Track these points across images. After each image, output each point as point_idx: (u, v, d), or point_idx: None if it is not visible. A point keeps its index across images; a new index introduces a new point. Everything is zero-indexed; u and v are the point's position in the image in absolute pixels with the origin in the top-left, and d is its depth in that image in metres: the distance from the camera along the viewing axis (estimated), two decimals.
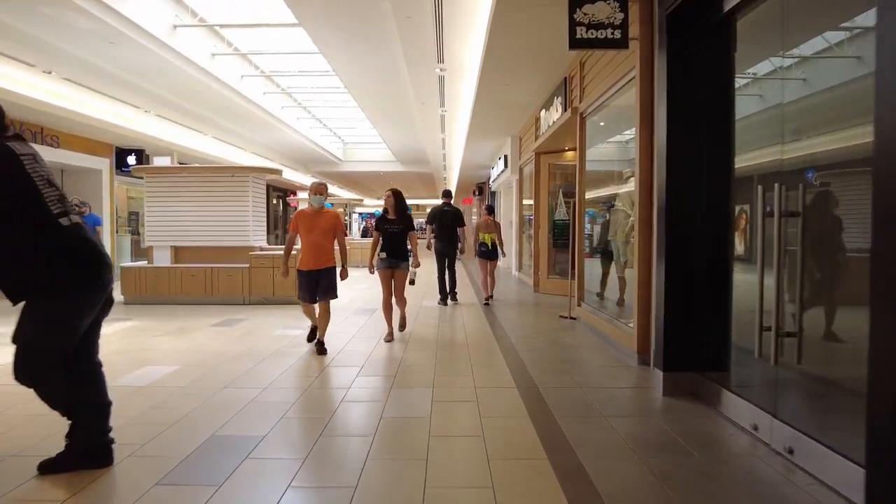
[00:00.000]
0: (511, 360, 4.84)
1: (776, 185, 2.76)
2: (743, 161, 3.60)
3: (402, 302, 6.07)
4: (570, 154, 9.48)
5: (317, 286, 5.15)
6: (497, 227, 8.85)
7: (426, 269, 12.15)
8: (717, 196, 3.78)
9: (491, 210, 9.32)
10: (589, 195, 7.03)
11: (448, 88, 9.99)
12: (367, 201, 42.15)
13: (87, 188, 13.05)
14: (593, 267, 7.15)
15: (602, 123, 6.79)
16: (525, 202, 11.91)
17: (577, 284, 6.88)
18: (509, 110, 9.97)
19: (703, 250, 3.82)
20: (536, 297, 9.36)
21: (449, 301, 8.49)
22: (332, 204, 23.44)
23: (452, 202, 9.00)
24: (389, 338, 5.72)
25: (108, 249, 12.08)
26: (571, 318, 6.98)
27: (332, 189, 28.80)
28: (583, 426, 3.23)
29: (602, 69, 5.84)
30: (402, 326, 6.13)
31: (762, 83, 3.56)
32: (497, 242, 8.64)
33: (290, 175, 22.50)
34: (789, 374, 2.95)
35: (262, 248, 8.89)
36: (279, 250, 8.70)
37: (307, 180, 25.72)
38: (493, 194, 20.83)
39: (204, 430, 3.17)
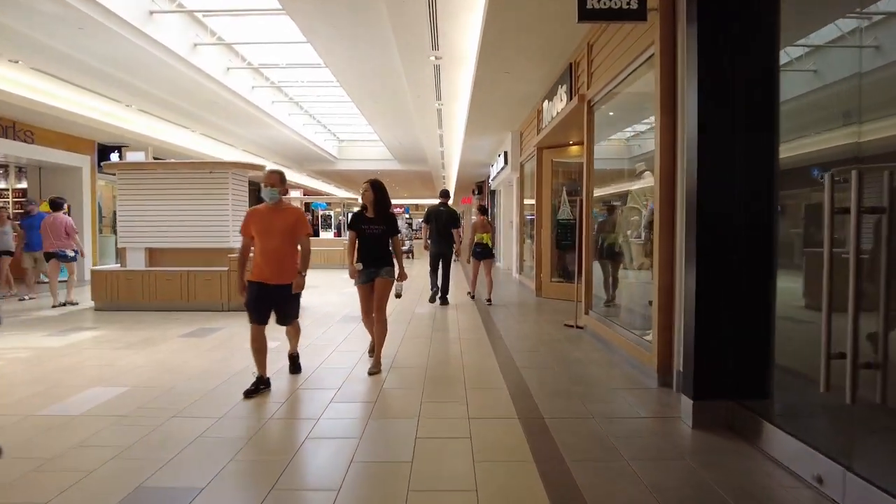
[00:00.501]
0: (511, 380, 4.21)
1: (853, 174, 2.14)
2: (796, 149, 2.98)
3: (381, 321, 4.54)
4: (574, 149, 8.86)
5: (272, 304, 4.01)
6: (491, 227, 8.90)
7: (421, 269, 11.55)
8: (759, 190, 3.15)
9: (484, 210, 9.07)
10: (598, 192, 6.39)
11: (444, 79, 9.36)
12: (350, 194, 41.56)
13: (66, 186, 12.45)
14: (602, 271, 6.53)
15: (612, 113, 6.16)
16: (526, 202, 11.29)
17: (585, 290, 6.25)
18: (509, 102, 9.34)
19: (741, 253, 3.20)
20: (538, 301, 8.73)
21: (438, 303, 8.41)
22: (329, 204, 22.98)
23: (450, 203, 8.81)
24: (375, 369, 4.49)
25: (87, 250, 11.53)
26: (578, 326, 6.36)
27: (328, 188, 28.21)
28: (600, 475, 2.60)
29: (613, 49, 5.22)
30: (376, 362, 4.56)
31: (825, 53, 2.93)
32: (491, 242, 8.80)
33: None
34: (864, 412, 2.32)
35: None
36: None
37: (303, 179, 25.13)
38: (492, 193, 20.22)
39: (129, 479, 2.55)
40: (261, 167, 8.41)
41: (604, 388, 4.04)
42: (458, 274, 13.66)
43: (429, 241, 8.41)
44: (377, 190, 4.53)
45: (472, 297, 8.95)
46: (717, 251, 3.23)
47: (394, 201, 23.87)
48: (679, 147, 3.91)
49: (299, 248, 4.08)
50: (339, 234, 19.90)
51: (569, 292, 8.74)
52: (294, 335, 4.46)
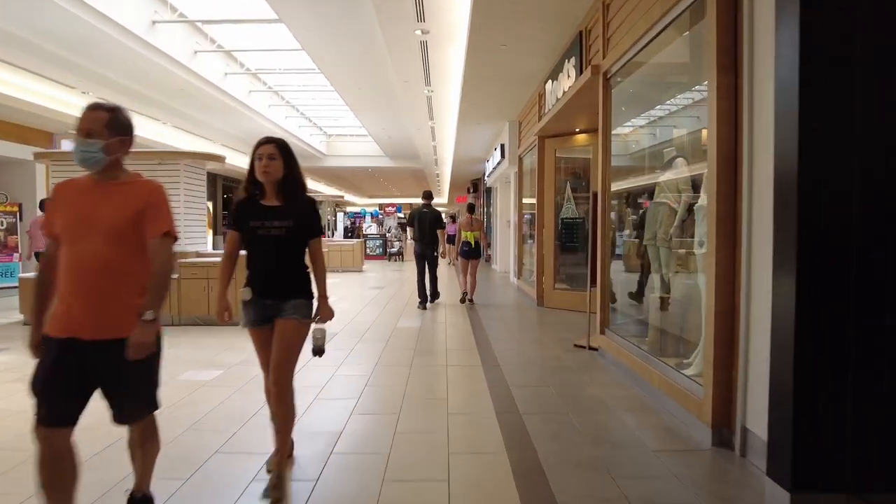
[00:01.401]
0: (514, 439, 3.10)
1: None
2: None
3: (282, 394, 2.53)
4: (581, 138, 7.77)
5: (88, 384, 1.91)
6: (480, 224, 8.65)
7: (412, 274, 10.46)
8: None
9: (472, 208, 8.94)
10: (616, 186, 5.30)
11: (433, 59, 8.25)
12: (348, 197, 40.49)
13: (16, 181, 11.27)
14: (622, 280, 5.45)
15: (632, 90, 5.08)
16: (526, 201, 10.19)
17: (601, 304, 5.16)
18: (507, 84, 8.25)
19: (865, 263, 2.11)
20: (541, 313, 7.63)
21: (429, 304, 8.13)
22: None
23: (438, 202, 8.10)
24: (275, 493, 2.35)
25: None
26: (591, 348, 5.27)
27: (316, 186, 27.02)
28: None
29: (639, 2, 4.12)
30: (274, 481, 2.39)
31: None
32: (480, 240, 8.47)
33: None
34: None
35: (198, 255, 7.15)
36: (219, 256, 6.95)
37: None
38: (488, 191, 19.14)
39: None
40: (220, 158, 7.29)
41: (638, 449, 2.94)
42: (451, 276, 12.57)
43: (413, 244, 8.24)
44: (284, 152, 2.55)
45: (465, 300, 8.49)
46: (827, 260, 2.13)
47: (387, 200, 22.84)
48: (744, 117, 2.83)
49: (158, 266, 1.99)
50: (324, 235, 18.77)
51: (575, 302, 7.66)
52: (145, 453, 2.10)
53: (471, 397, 3.80)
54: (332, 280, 10.17)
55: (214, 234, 20.37)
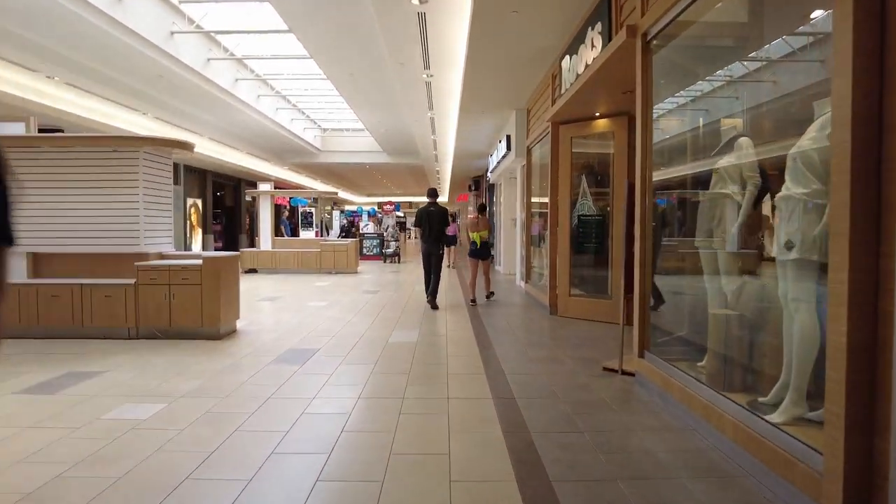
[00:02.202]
0: None
1: None
2: None
3: None
4: (601, 123, 6.82)
5: None
6: (487, 224, 8.53)
7: (408, 275, 9.56)
8: None
9: (483, 209, 8.75)
10: (661, 174, 4.35)
11: (433, 36, 7.31)
12: (347, 195, 39.57)
13: None
14: (667, 290, 4.51)
15: (678, 57, 4.13)
16: (536, 200, 9.23)
17: (639, 318, 4.21)
18: (515, 65, 7.30)
19: None
20: (555, 323, 6.68)
21: (432, 306, 7.83)
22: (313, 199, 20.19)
23: (439, 201, 8.21)
24: None
25: None
26: (625, 372, 4.33)
27: (312, 184, 26.08)
28: None
29: None
30: None
31: None
32: (487, 240, 8.39)
33: (261, 167, 19.78)
34: None
35: (162, 256, 6.20)
36: (188, 259, 6.02)
37: (282, 173, 23.00)
38: (491, 188, 18.18)
39: None
40: (187, 145, 6.34)
41: None
42: (451, 281, 11.62)
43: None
44: None
45: (474, 303, 8.14)
46: None
47: (385, 199, 21.89)
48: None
49: None
50: (320, 233, 17.82)
51: (595, 310, 6.71)
52: None
53: (481, 453, 2.85)
54: (321, 283, 9.23)
55: (204, 232, 19.44)
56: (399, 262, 16.58)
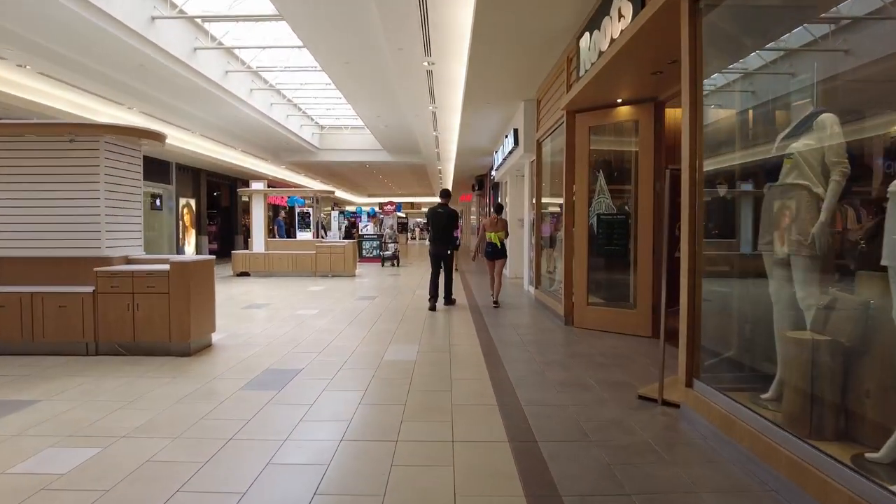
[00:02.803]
0: None
1: None
2: None
3: None
4: (623, 111, 6.08)
5: None
6: (504, 225, 8.19)
7: (408, 280, 8.88)
8: None
9: (500, 209, 8.56)
10: (714, 162, 3.58)
11: (434, 18, 6.58)
12: (347, 196, 38.91)
13: None
14: (713, 299, 3.76)
15: (734, 26, 3.40)
16: (546, 199, 8.49)
17: (688, 339, 3.45)
18: (526, 48, 6.56)
19: None
20: (572, 337, 5.93)
21: (441, 305, 7.90)
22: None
23: (449, 203, 8.10)
24: None
25: None
26: (666, 402, 3.59)
27: (311, 183, 25.37)
28: None
29: None
30: None
31: None
32: (504, 241, 8.15)
33: (258, 166, 19.07)
34: None
35: (129, 260, 5.49)
36: (154, 264, 5.30)
37: (280, 172, 22.30)
38: (495, 187, 17.46)
39: None
40: (158, 135, 5.62)
41: None
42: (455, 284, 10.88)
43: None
44: None
45: (497, 305, 8.07)
46: None
47: (385, 199, 20.95)
48: None
49: None
50: (317, 234, 17.08)
51: (616, 321, 5.98)
52: None
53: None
54: (315, 287, 8.51)
55: (198, 234, 18.74)
56: (398, 265, 15.80)
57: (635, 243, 5.97)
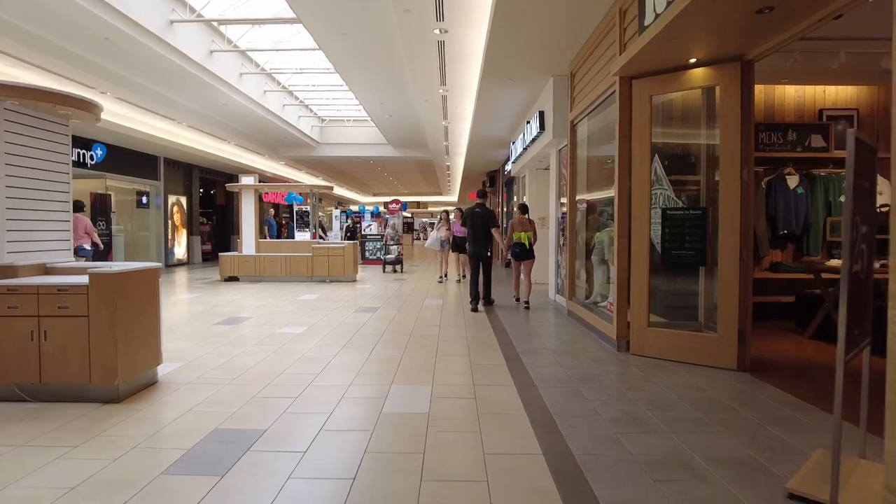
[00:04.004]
0: None
1: None
2: None
3: None
4: (699, 74, 4.64)
5: None
6: (532, 225, 7.95)
7: (415, 286, 7.59)
8: None
9: (524, 209, 8.06)
10: None
11: None
12: (350, 193, 37.65)
13: None
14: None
15: None
16: (582, 196, 7.07)
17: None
18: (562, 4, 5.17)
19: None
20: (633, 371, 4.51)
21: (481, 306, 7.78)
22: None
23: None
24: None
25: None
26: None
27: (308, 179, 24.04)
28: None
29: None
30: None
31: None
32: (532, 241, 7.84)
33: (256, 161, 17.73)
34: None
35: (47, 270, 4.14)
36: (70, 276, 3.95)
37: (279, 169, 20.96)
38: (509, 183, 16.06)
39: None
40: (89, 104, 4.25)
41: None
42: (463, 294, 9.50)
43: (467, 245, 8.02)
44: None
45: (518, 300, 8.13)
46: None
47: (390, 198, 19.45)
48: None
49: None
50: (316, 235, 15.71)
51: (688, 349, 4.57)
52: None
53: None
54: (308, 296, 6.97)
55: (189, 234, 17.42)
56: (402, 270, 14.24)
57: (715, 247, 4.56)
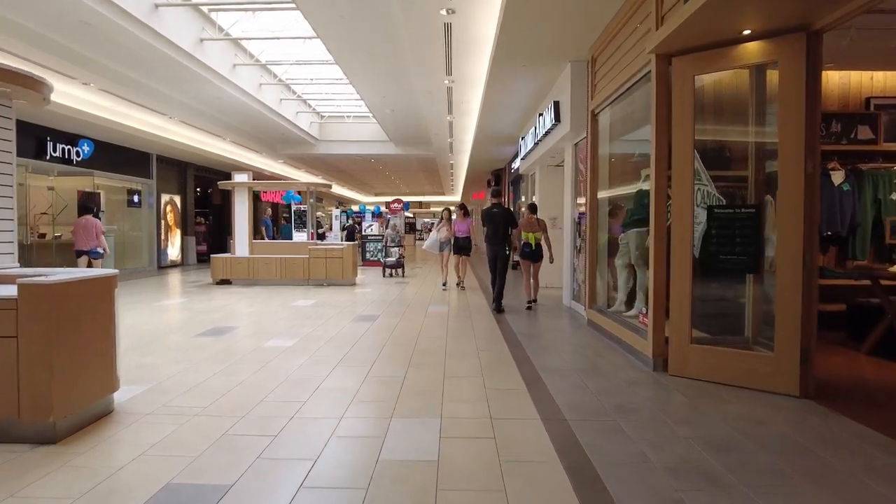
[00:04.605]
0: None
1: None
2: None
3: None
4: (752, 49, 3.95)
5: None
6: (543, 225, 7.65)
7: (417, 289, 6.95)
8: None
9: (534, 208, 7.94)
10: None
11: None
12: (350, 193, 37.04)
13: None
14: None
15: None
16: (604, 194, 6.40)
17: None
18: None
19: None
20: (677, 399, 3.83)
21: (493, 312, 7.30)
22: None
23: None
24: None
25: None
26: None
27: (308, 178, 23.42)
28: None
29: None
30: None
31: None
32: (545, 244, 7.65)
33: (254, 160, 17.09)
34: None
35: None
36: (6, 285, 3.28)
37: (277, 167, 20.32)
38: (516, 182, 15.40)
39: None
40: (32, 81, 3.59)
41: None
42: (473, 300, 8.82)
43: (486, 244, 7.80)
44: None
45: (531, 304, 7.82)
46: None
47: (392, 197, 18.77)
48: None
49: None
50: (315, 235, 15.05)
51: (738, 370, 3.90)
52: None
53: None
54: (303, 301, 6.16)
55: (184, 234, 16.79)
56: (402, 274, 13.37)
57: (773, 252, 3.88)
